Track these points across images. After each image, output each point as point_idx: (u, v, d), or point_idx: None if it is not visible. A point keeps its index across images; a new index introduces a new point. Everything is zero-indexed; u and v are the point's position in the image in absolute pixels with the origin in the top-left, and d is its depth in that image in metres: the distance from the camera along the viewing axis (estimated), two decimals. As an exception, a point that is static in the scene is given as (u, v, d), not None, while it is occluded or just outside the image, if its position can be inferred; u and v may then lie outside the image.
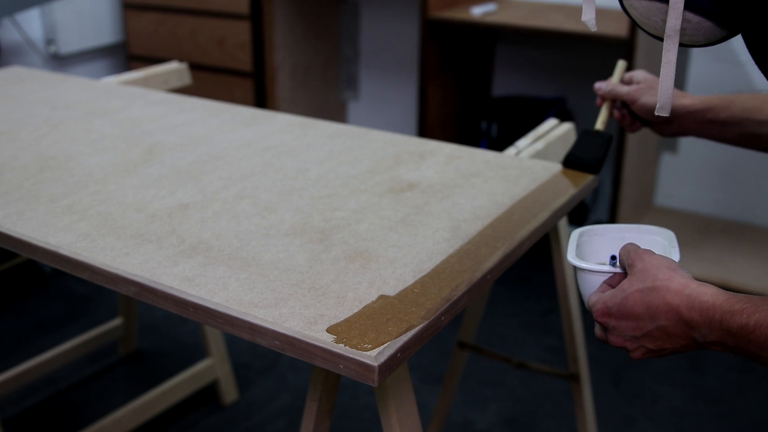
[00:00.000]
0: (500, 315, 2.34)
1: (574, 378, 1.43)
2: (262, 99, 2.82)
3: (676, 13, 0.74)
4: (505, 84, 2.93)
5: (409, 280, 0.87)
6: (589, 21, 0.79)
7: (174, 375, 1.92)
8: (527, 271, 2.58)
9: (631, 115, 1.20)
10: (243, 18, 2.75)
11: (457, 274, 0.88)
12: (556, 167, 1.19)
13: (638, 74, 1.20)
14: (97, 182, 1.15)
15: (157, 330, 2.29)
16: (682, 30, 0.76)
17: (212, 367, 1.94)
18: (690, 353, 2.14)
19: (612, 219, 2.39)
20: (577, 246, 0.86)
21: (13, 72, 1.80)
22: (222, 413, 1.95)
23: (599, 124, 1.18)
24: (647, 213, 2.70)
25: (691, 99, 1.11)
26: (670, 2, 0.74)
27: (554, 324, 2.25)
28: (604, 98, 1.20)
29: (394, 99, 3.10)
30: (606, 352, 2.15)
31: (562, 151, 1.39)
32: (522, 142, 1.32)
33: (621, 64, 1.23)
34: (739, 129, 1.08)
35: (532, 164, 1.20)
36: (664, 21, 0.75)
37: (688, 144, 2.64)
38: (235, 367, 2.05)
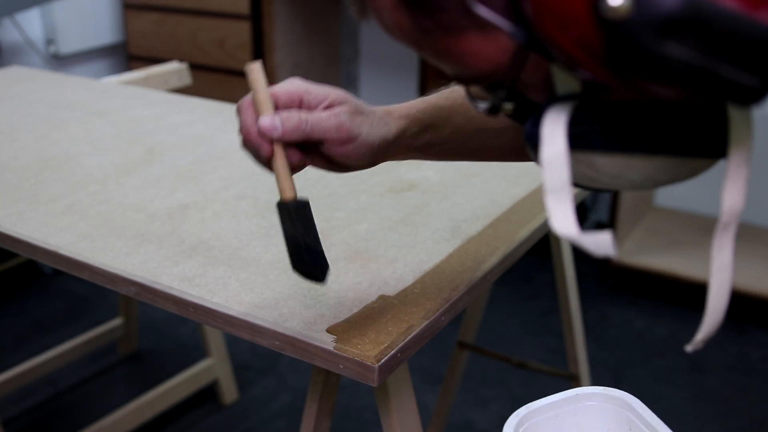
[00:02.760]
0: (500, 315, 2.34)
1: (574, 378, 1.43)
2: (262, 99, 2.81)
3: (738, 185, 0.50)
4: (505, 84, 2.93)
5: (409, 280, 0.87)
6: (566, 232, 0.50)
7: (174, 375, 1.92)
8: (527, 271, 2.58)
9: (324, 158, 0.71)
10: (243, 18, 2.75)
11: (457, 274, 0.88)
12: (556, 167, 1.19)
13: (300, 85, 0.68)
14: (97, 182, 1.15)
15: (157, 330, 2.29)
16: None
17: (212, 367, 1.94)
18: (690, 354, 2.14)
19: (612, 219, 2.39)
20: None
21: (13, 72, 1.80)
22: (222, 413, 1.95)
23: (288, 192, 0.68)
24: (647, 213, 2.70)
25: (396, 121, 0.72)
26: (731, 168, 0.50)
27: (554, 324, 2.25)
28: (276, 143, 0.66)
29: (394, 99, 3.09)
30: (606, 353, 2.15)
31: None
32: (522, 142, 1.32)
33: (256, 69, 0.66)
34: (474, 143, 0.78)
35: (532, 164, 1.20)
36: (649, 178, 0.53)
37: (688, 144, 2.64)
38: (235, 367, 2.05)
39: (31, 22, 2.81)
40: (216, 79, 2.88)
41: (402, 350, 0.76)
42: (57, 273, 2.57)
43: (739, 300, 2.28)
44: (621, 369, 2.09)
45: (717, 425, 1.88)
